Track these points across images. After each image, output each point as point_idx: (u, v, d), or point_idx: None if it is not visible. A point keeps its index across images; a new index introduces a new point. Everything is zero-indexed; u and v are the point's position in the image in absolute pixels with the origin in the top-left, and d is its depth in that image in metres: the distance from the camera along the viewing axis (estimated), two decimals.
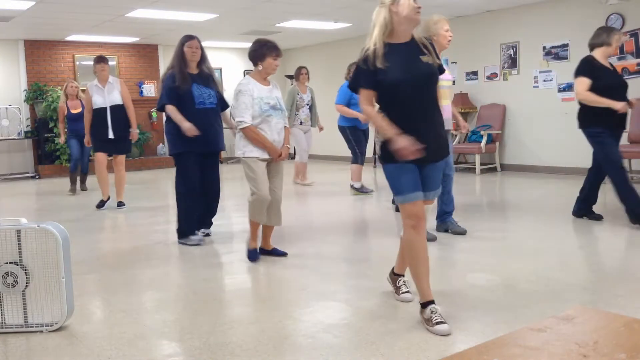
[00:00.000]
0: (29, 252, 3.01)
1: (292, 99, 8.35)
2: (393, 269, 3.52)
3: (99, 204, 7.16)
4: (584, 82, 5.09)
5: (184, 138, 4.85)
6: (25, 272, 3.01)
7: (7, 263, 3.00)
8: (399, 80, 2.90)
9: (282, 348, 2.77)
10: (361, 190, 7.65)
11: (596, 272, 3.94)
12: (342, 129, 7.70)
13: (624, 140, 8.30)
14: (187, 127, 4.78)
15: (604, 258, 4.32)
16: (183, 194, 5.06)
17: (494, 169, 9.88)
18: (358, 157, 7.65)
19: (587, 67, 5.15)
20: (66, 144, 8.88)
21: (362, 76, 2.97)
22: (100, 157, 7.07)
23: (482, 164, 9.69)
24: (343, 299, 3.51)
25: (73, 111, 8.56)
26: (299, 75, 8.55)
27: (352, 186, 7.70)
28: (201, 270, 4.29)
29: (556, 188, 7.74)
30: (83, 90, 8.57)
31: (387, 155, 2.96)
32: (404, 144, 2.84)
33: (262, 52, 4.28)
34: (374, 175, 9.71)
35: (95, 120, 6.91)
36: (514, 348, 1.38)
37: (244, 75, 10.37)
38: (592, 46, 5.27)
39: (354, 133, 7.64)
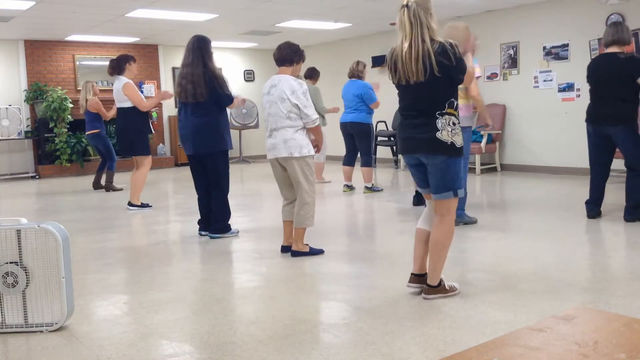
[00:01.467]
0: (29, 252, 3.01)
1: (320, 98, 8.42)
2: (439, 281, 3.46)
3: (145, 205, 7.03)
4: None
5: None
6: (25, 272, 3.01)
7: (7, 263, 3.00)
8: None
9: (282, 348, 2.77)
10: (374, 189, 7.74)
11: (596, 272, 3.94)
12: (367, 127, 7.60)
13: None
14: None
15: (603, 258, 4.32)
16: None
17: (494, 169, 9.88)
18: (372, 158, 7.72)
19: None
20: (108, 144, 8.68)
21: None
22: (151, 160, 7.04)
23: (482, 164, 9.69)
24: (343, 299, 3.51)
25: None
26: (318, 76, 8.63)
27: (365, 187, 7.75)
28: (201, 270, 4.29)
29: (556, 188, 7.74)
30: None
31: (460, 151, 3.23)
32: None
33: (300, 54, 4.47)
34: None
35: (144, 120, 6.83)
36: (514, 348, 1.38)
37: (245, 75, 10.44)
38: (628, 41, 5.20)
39: (373, 133, 7.71)
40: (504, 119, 9.88)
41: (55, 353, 2.80)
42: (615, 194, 7.06)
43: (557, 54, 9.10)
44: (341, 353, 2.69)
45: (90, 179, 9.15)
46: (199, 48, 5.04)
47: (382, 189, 7.85)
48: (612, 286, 3.55)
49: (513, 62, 9.73)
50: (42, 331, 3.04)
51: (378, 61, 11.53)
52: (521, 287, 3.59)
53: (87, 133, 8.73)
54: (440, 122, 3.16)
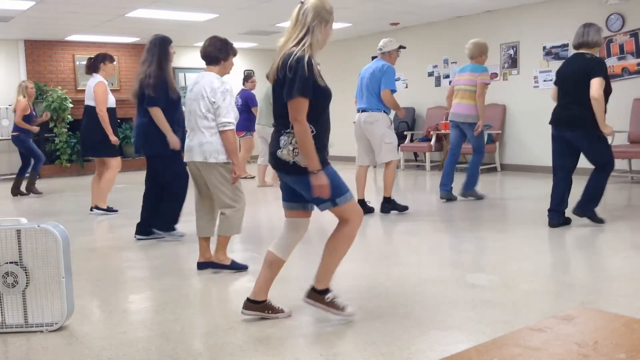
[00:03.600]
0: (29, 252, 3.01)
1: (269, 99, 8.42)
2: (318, 289, 3.17)
3: (111, 210, 6.83)
4: (602, 84, 4.83)
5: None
6: (25, 272, 3.01)
7: (7, 263, 3.00)
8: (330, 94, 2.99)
9: (282, 348, 2.77)
10: None
11: (596, 272, 3.94)
12: None
13: (624, 140, 8.33)
14: (175, 141, 4.91)
15: (604, 258, 4.32)
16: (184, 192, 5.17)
17: (494, 169, 9.88)
18: None
19: (605, 69, 4.92)
20: (29, 146, 8.52)
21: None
22: (119, 162, 6.85)
23: (482, 164, 9.68)
24: (343, 299, 3.51)
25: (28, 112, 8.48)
26: None
27: None
28: (201, 270, 4.29)
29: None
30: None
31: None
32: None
33: (227, 50, 4.08)
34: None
35: (112, 120, 6.61)
36: (514, 348, 1.38)
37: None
38: (596, 44, 4.98)
39: None
40: (504, 119, 9.88)
41: (55, 353, 2.80)
42: (615, 194, 7.08)
43: (557, 54, 9.10)
44: (341, 353, 2.69)
45: (90, 179, 9.04)
46: (154, 47, 4.97)
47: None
48: (612, 286, 3.55)
49: (513, 62, 9.73)
50: (42, 331, 3.04)
51: None
52: (521, 287, 3.59)
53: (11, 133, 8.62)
54: (283, 140, 2.90)
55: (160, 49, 4.97)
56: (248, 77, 10.25)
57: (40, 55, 11.62)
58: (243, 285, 3.91)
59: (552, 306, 3.22)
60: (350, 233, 3.02)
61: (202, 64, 4.09)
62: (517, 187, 8.03)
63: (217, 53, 4.04)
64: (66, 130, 11.28)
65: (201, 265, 4.22)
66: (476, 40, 6.80)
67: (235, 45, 4.19)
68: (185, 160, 4.16)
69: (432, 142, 10.24)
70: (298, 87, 2.78)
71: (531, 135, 9.52)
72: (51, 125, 11.15)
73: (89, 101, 6.61)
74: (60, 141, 11.17)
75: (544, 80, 9.31)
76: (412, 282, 3.75)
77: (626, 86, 8.33)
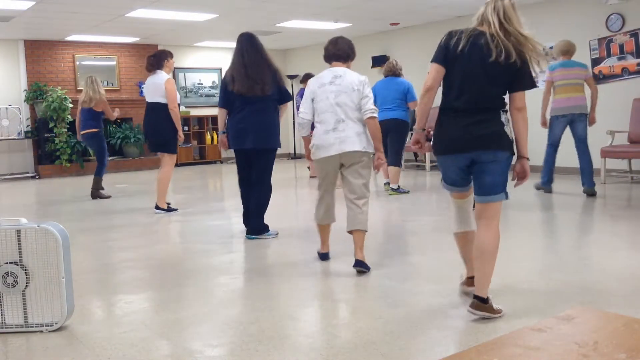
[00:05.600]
0: (29, 252, 3.01)
1: None
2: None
3: (170, 209, 6.81)
4: None
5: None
6: (25, 272, 3.01)
7: (7, 263, 3.01)
8: None
9: (282, 348, 2.77)
10: (400, 191, 7.60)
11: (596, 272, 3.94)
12: (407, 125, 7.49)
13: (624, 140, 8.33)
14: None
15: (603, 258, 4.32)
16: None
17: None
18: (401, 159, 7.63)
19: None
20: (100, 145, 8.06)
21: None
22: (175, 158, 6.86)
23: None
24: (343, 299, 3.51)
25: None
26: None
27: (392, 188, 7.61)
28: (201, 270, 4.29)
29: (556, 188, 7.73)
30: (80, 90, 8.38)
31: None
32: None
33: (354, 51, 4.29)
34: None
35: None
36: (514, 348, 1.38)
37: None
38: None
39: (408, 132, 7.56)
40: None
41: (55, 353, 2.80)
42: (615, 194, 7.08)
43: None
44: (341, 353, 2.69)
45: (90, 179, 8.98)
46: (257, 45, 5.08)
47: (408, 191, 7.70)
48: (612, 286, 3.55)
49: None
50: (42, 331, 3.04)
51: (378, 61, 11.52)
52: (521, 287, 3.59)
53: (84, 132, 7.96)
54: (504, 117, 3.24)
55: (258, 46, 5.10)
56: (307, 76, 9.84)
57: (40, 55, 11.62)
58: (243, 286, 3.91)
59: (552, 306, 3.22)
60: (498, 231, 3.11)
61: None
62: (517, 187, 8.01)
63: (350, 52, 4.26)
64: (66, 130, 11.28)
65: (324, 256, 4.43)
66: (569, 40, 7.28)
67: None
68: (329, 154, 4.07)
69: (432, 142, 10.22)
70: (534, 80, 3.22)
71: (531, 134, 9.49)
72: (51, 125, 11.16)
73: (155, 98, 6.56)
74: (60, 141, 11.17)
75: (544, 80, 9.28)
76: (411, 281, 3.75)
77: (626, 86, 8.33)
